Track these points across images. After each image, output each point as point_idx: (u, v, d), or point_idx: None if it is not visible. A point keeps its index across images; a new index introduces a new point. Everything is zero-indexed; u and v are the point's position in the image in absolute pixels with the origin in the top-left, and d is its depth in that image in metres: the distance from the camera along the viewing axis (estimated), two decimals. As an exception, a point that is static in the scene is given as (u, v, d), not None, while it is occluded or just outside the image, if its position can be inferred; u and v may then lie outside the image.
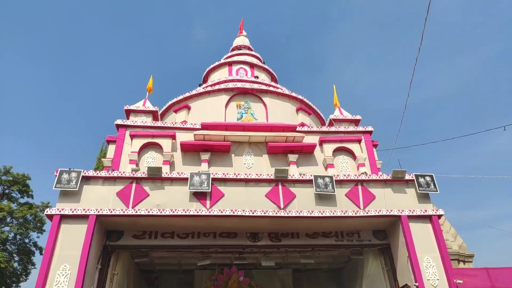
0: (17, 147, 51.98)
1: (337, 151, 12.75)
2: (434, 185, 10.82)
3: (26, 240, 22.85)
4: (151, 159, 11.87)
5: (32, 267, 22.90)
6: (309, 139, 12.94)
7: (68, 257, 8.88)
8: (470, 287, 10.01)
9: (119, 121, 12.49)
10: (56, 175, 9.81)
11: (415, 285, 9.45)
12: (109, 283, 10.00)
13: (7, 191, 23.08)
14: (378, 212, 10.41)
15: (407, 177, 10.94)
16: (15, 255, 22.28)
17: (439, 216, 10.58)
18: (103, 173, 10.18)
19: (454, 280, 9.44)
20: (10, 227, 21.89)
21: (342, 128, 13.37)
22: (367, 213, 10.38)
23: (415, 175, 10.95)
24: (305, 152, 12.77)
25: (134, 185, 10.14)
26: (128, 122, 12.58)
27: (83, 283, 8.63)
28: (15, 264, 22.15)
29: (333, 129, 13.38)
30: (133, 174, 10.22)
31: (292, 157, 12.49)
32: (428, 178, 10.94)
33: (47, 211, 9.38)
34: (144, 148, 12.01)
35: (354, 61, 67.11)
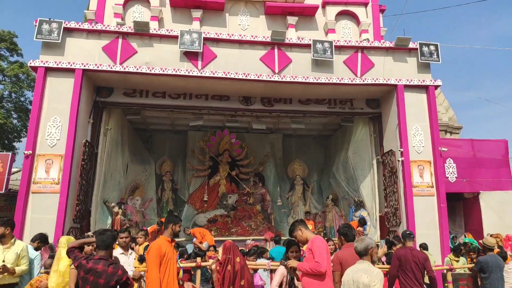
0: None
1: (340, 15, 11.78)
2: (438, 55, 10.30)
3: (22, 99, 23.02)
4: (138, 13, 10.93)
5: (31, 124, 23.45)
6: (311, 0, 11.84)
7: (58, 109, 8.81)
8: (454, 155, 10.43)
9: (101, -32, 11.11)
10: (36, 25, 9.11)
11: (400, 150, 9.76)
12: (103, 137, 10.20)
13: (-6, 48, 22.19)
14: (375, 81, 10.12)
15: (411, 45, 10.36)
16: (12, 112, 22.67)
17: (436, 87, 10.39)
18: (86, 26, 9.45)
19: (439, 148, 9.72)
20: (4, 85, 21.75)
21: (348, -11, 12.12)
22: (363, 81, 10.10)
23: (419, 43, 10.34)
24: (306, 15, 11.79)
25: (120, 40, 9.53)
26: (112, -30, 11.20)
27: (75, 135, 8.76)
28: (14, 121, 22.69)
29: (338, -11, 12.12)
30: (119, 28, 9.52)
31: (292, 20, 11.59)
32: (432, 48, 10.36)
33: (30, 62, 8.96)
34: (129, 1, 10.97)
35: None
